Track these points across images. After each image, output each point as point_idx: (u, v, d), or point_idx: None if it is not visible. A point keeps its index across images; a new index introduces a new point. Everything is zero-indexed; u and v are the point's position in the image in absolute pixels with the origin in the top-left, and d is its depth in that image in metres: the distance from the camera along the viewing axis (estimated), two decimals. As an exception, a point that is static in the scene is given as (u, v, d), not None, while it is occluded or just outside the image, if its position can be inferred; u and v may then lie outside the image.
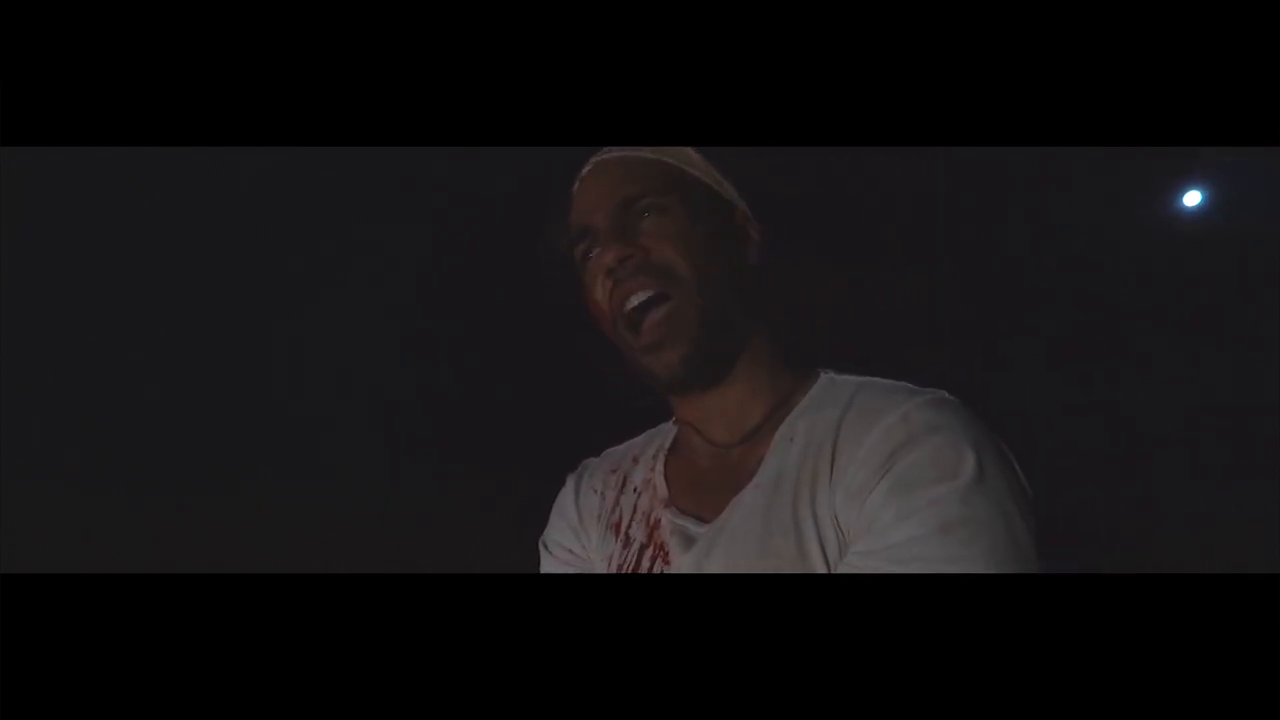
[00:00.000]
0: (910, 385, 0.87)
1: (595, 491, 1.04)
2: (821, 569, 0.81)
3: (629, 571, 0.94)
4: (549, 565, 1.04)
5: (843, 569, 0.79)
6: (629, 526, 0.98)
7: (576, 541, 1.03)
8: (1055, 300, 3.21)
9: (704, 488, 0.94)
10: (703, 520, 0.91)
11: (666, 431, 1.05)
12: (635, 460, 1.04)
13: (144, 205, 2.43)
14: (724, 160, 1.03)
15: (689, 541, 0.91)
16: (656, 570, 0.92)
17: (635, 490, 1.01)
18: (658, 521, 0.95)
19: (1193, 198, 3.16)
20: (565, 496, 1.07)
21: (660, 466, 1.00)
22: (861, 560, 0.78)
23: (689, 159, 0.97)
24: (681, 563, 0.90)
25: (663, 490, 0.97)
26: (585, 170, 0.99)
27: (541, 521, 1.09)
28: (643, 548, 0.95)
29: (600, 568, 0.99)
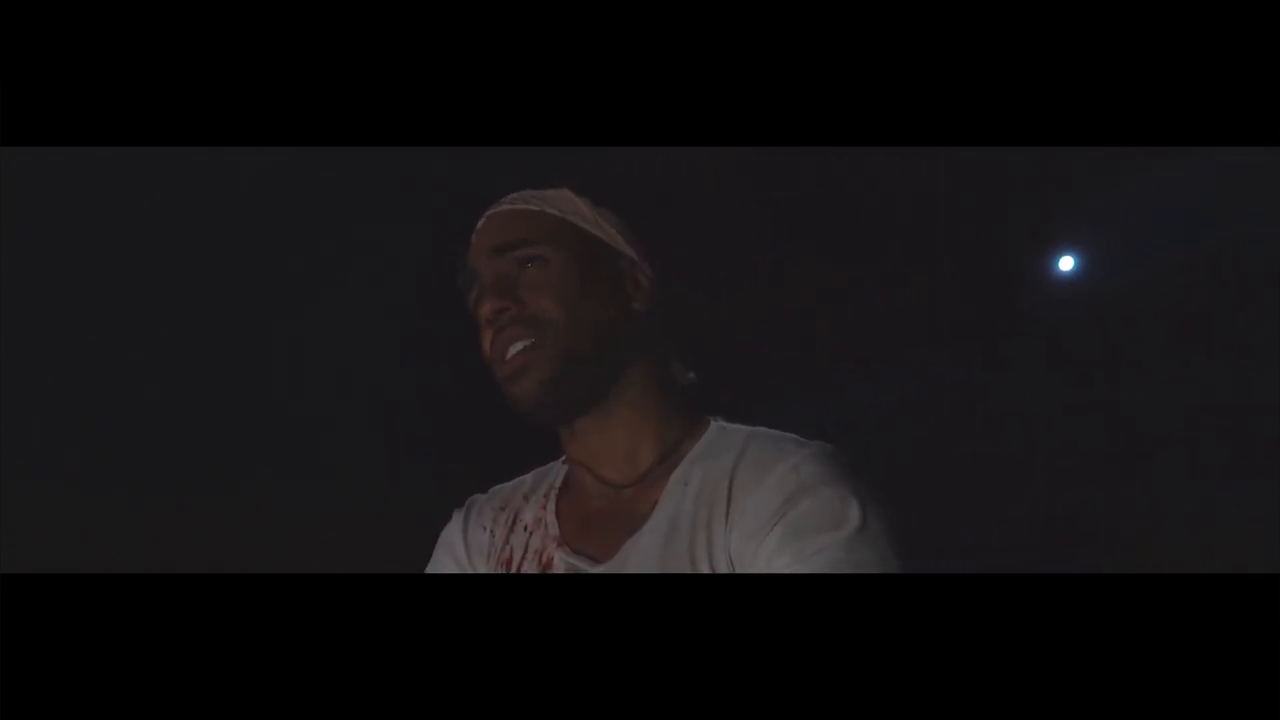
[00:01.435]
0: (797, 437, 0.95)
1: (484, 529, 1.06)
2: None
3: None
4: None
5: None
6: (520, 564, 1.00)
7: None
8: (1055, 300, 3.20)
9: (596, 527, 0.98)
10: (595, 560, 0.94)
11: (557, 470, 1.07)
12: (525, 498, 1.06)
13: (144, 205, 2.43)
14: (725, 160, 1.04)
15: None
16: None
17: (526, 528, 1.02)
18: (550, 560, 0.98)
19: (1066, 262, 3.15)
20: (452, 532, 1.08)
21: (552, 505, 1.03)
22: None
23: (576, 209, 1.01)
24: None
25: (555, 528, 1.00)
26: (479, 224, 1.03)
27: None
28: None
29: None
